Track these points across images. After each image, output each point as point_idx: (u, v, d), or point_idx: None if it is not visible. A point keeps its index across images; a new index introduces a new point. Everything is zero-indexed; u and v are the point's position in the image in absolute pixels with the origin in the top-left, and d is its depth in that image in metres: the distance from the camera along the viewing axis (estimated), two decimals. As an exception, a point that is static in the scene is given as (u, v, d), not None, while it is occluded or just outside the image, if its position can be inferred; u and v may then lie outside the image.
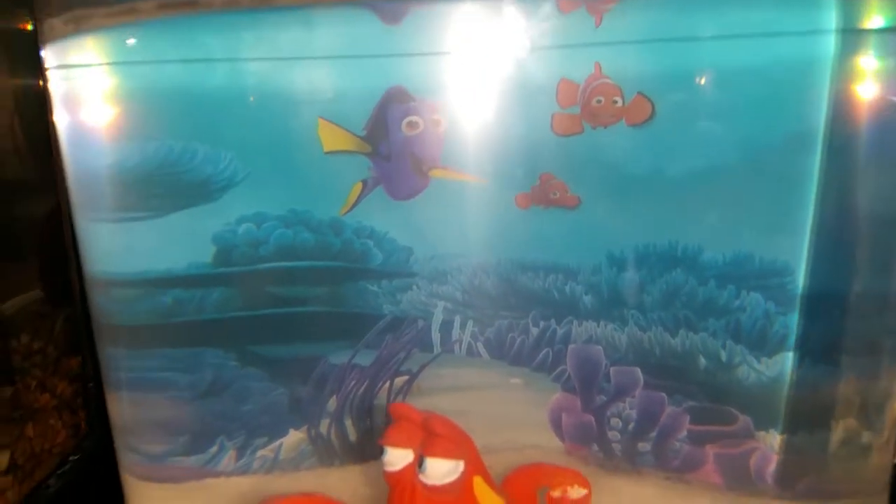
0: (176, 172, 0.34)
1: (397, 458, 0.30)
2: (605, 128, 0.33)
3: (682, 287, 0.37)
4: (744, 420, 0.38)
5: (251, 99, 0.34)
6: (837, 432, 0.36)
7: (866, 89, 0.32)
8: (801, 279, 0.35)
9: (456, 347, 0.38)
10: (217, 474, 0.38)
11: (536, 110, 0.33)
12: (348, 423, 0.38)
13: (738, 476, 0.38)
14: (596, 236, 0.36)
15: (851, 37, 0.32)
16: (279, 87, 0.34)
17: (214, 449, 0.37)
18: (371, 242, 0.36)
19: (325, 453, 0.39)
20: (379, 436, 0.31)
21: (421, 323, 0.38)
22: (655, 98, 0.33)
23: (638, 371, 0.39)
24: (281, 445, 0.38)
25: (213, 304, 0.36)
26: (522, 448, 0.39)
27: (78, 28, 0.33)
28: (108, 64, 0.33)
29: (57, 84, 0.34)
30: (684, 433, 0.38)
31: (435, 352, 0.38)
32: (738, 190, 0.34)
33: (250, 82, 0.34)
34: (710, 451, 0.38)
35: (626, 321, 0.38)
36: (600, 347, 0.38)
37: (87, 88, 0.34)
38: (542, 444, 0.39)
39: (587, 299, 0.38)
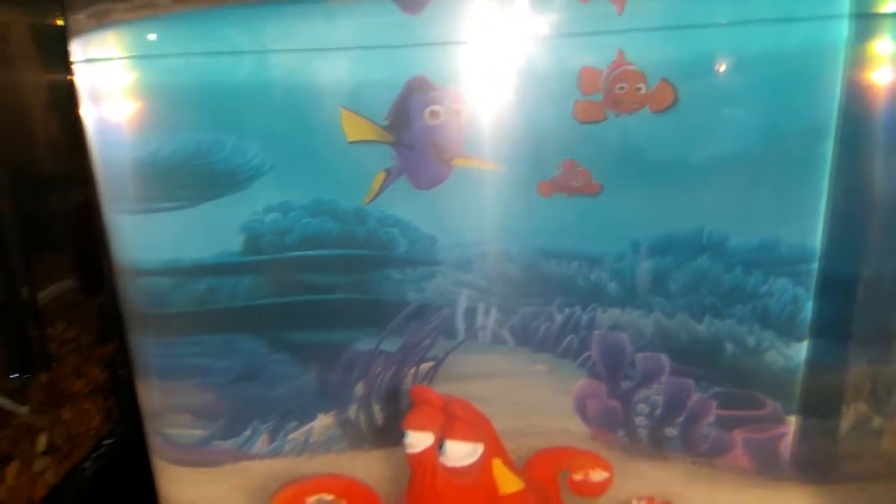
0: (206, 163, 0.36)
1: (418, 440, 0.31)
2: (629, 115, 0.34)
3: (707, 273, 0.38)
4: (773, 405, 0.39)
5: (276, 90, 0.35)
6: (869, 415, 0.37)
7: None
8: (826, 263, 0.36)
9: (480, 334, 0.40)
10: (251, 457, 0.40)
11: (559, 98, 0.34)
12: (375, 408, 0.41)
13: (767, 461, 0.39)
14: (620, 223, 0.37)
15: (867, 21, 0.32)
16: (303, 78, 0.35)
17: (248, 433, 0.40)
18: (395, 231, 0.38)
19: (354, 437, 0.41)
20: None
21: (446, 310, 0.39)
22: (679, 84, 0.33)
23: (664, 357, 0.40)
24: (311, 429, 0.40)
25: (244, 291, 0.38)
26: (548, 433, 0.40)
27: (101, 23, 0.35)
28: (131, 57, 0.35)
29: (84, 78, 0.37)
30: (712, 418, 0.39)
31: (459, 338, 0.40)
32: (762, 175, 0.35)
33: (275, 74, 0.35)
34: (739, 436, 0.39)
35: (652, 308, 0.39)
36: (626, 334, 0.40)
37: (116, 82, 0.36)
38: (568, 429, 0.41)
39: (612, 286, 0.39)
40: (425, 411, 0.32)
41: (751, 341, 0.39)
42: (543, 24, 0.33)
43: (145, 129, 0.36)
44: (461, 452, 0.31)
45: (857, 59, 0.32)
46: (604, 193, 0.36)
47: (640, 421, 0.41)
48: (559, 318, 0.40)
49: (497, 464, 0.32)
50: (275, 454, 0.41)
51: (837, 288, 0.36)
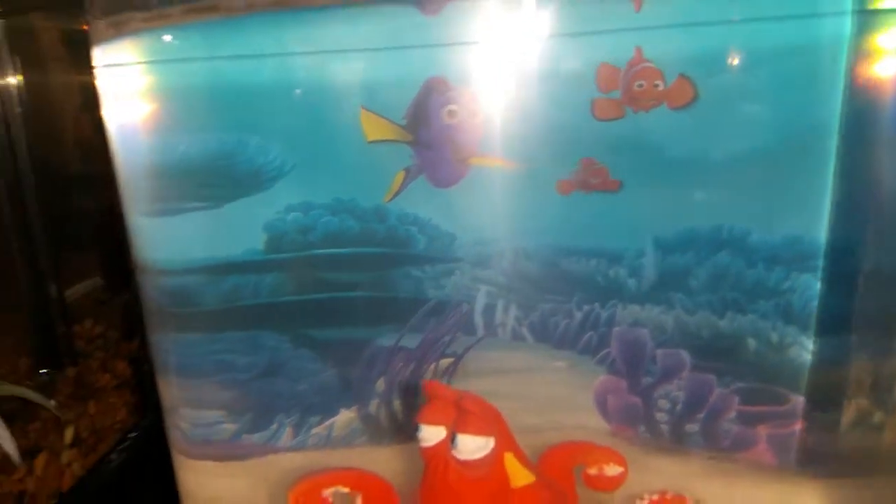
0: (231, 164, 0.38)
1: (431, 434, 0.33)
2: (647, 111, 0.35)
3: (729, 269, 0.39)
4: (795, 400, 0.39)
5: (297, 92, 0.37)
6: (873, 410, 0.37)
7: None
8: (834, 258, 0.36)
9: (500, 331, 0.41)
10: (276, 450, 0.42)
11: (577, 96, 0.35)
12: (396, 403, 0.42)
13: (791, 456, 0.39)
14: (639, 220, 0.38)
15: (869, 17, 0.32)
16: (323, 80, 0.37)
17: (274, 426, 0.42)
18: (415, 229, 0.39)
19: (375, 432, 0.43)
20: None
21: (465, 307, 0.41)
22: (697, 80, 0.34)
23: (685, 353, 0.40)
24: (333, 424, 0.42)
25: (267, 289, 0.40)
26: (567, 429, 0.41)
27: (119, 32, 0.37)
28: (150, 62, 0.37)
29: (107, 83, 0.38)
30: (734, 414, 0.40)
31: (479, 335, 0.41)
32: (783, 171, 0.35)
33: (295, 76, 0.37)
34: (762, 431, 0.40)
35: (672, 304, 0.40)
36: (646, 330, 0.40)
37: (140, 86, 0.38)
38: (588, 425, 0.42)
39: (631, 283, 0.40)
40: (438, 406, 0.33)
41: (774, 337, 0.39)
42: (560, 23, 0.34)
43: (173, 132, 0.38)
44: (473, 446, 0.32)
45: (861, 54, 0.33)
46: (622, 190, 0.37)
47: (660, 417, 0.41)
48: (578, 314, 0.41)
49: (509, 457, 0.33)
50: (299, 448, 0.42)
51: (850, 282, 0.37)
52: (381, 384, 0.42)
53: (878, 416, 0.37)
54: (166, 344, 0.41)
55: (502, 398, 0.41)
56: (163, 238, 0.39)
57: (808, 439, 0.40)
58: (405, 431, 0.42)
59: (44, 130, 0.73)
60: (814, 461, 0.40)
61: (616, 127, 0.36)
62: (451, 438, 0.32)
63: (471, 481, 0.32)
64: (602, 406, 0.42)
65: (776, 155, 0.35)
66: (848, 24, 0.33)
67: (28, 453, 0.61)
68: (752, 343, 0.40)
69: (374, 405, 0.42)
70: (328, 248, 0.40)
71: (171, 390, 0.43)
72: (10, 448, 0.58)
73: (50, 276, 0.77)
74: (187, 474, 0.44)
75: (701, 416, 0.41)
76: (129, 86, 0.38)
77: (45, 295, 0.77)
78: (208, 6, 0.36)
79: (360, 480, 0.38)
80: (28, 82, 0.72)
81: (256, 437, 0.42)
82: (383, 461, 0.42)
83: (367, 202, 0.39)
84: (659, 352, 0.41)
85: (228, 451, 0.42)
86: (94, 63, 0.38)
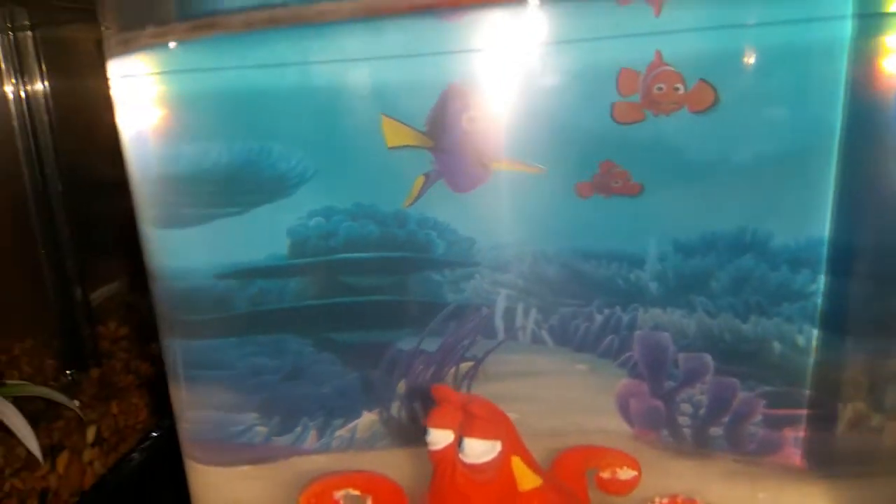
0: (256, 170, 0.39)
1: (439, 438, 0.34)
2: (668, 115, 0.35)
3: (752, 272, 0.39)
4: (821, 402, 0.39)
5: (318, 100, 0.38)
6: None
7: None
8: (874, 260, 0.36)
9: (520, 334, 0.42)
10: (301, 453, 0.44)
11: (596, 100, 0.36)
12: (417, 406, 0.44)
13: (816, 459, 0.40)
14: (660, 224, 0.39)
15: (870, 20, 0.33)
16: (343, 87, 0.38)
17: (299, 429, 0.43)
18: (434, 233, 0.41)
19: (397, 434, 0.44)
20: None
21: (484, 310, 0.42)
22: (718, 84, 0.34)
23: (708, 357, 0.41)
24: (356, 426, 0.44)
25: (291, 293, 0.42)
26: (588, 432, 0.42)
27: (128, 49, 0.39)
28: (164, 73, 0.39)
29: (122, 92, 0.40)
30: (759, 417, 0.41)
31: (499, 338, 0.42)
32: (804, 174, 0.36)
33: (317, 84, 0.38)
34: (790, 434, 0.40)
35: (695, 307, 0.40)
36: (668, 334, 0.41)
37: (161, 95, 0.39)
38: (609, 428, 0.42)
39: (653, 286, 0.40)
40: (446, 410, 0.34)
41: (801, 340, 0.40)
42: (580, 28, 0.35)
43: (194, 141, 0.39)
44: (479, 450, 0.33)
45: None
46: (643, 193, 0.38)
47: (683, 420, 0.42)
48: (599, 318, 0.41)
49: (516, 461, 0.34)
50: (323, 450, 0.44)
51: (878, 283, 0.37)
52: (402, 387, 0.43)
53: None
54: (190, 349, 0.43)
55: (522, 401, 0.42)
56: (191, 245, 0.41)
57: (835, 441, 0.40)
58: (425, 434, 0.43)
59: (70, 137, 0.76)
60: (840, 463, 0.40)
61: (636, 130, 0.36)
62: (458, 442, 0.33)
63: (478, 484, 0.33)
64: (624, 410, 0.43)
65: (798, 157, 0.36)
66: (849, 27, 0.34)
67: (51, 451, 0.64)
68: (777, 346, 0.40)
69: (395, 408, 0.44)
70: (349, 252, 0.41)
71: (194, 395, 0.44)
72: (33, 446, 0.61)
73: (76, 280, 0.80)
74: (208, 479, 0.46)
75: (725, 419, 0.41)
76: (148, 96, 0.39)
77: (70, 298, 0.81)
78: (208, 23, 0.38)
79: (371, 483, 0.39)
80: (55, 89, 0.76)
81: (283, 440, 0.44)
82: (404, 463, 0.43)
83: (387, 207, 0.40)
84: (681, 355, 0.41)
85: (257, 455, 0.44)
86: (108, 75, 0.40)
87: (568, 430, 0.42)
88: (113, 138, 0.42)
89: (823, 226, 0.37)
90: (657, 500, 0.39)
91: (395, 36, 0.37)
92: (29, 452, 0.61)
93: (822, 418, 0.40)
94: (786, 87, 0.35)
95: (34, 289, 0.79)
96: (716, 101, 0.35)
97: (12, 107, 0.74)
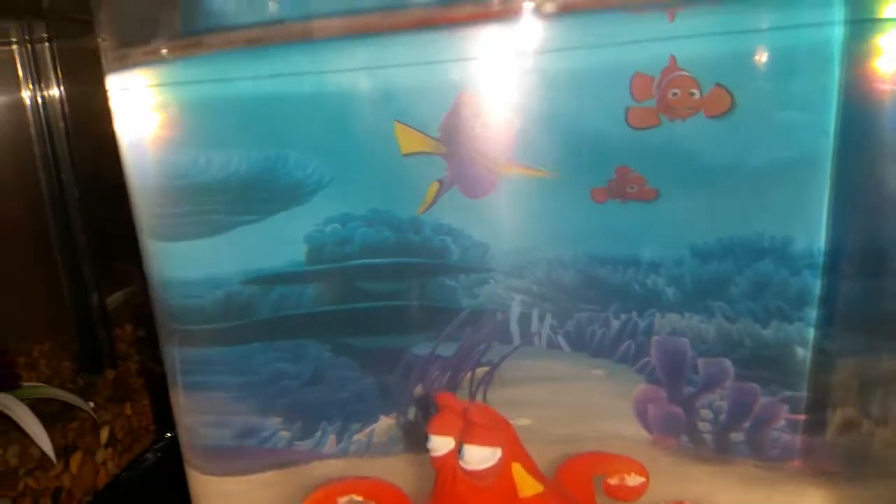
0: (274, 178, 0.41)
1: (440, 444, 0.35)
2: (683, 120, 0.36)
3: (772, 277, 0.40)
4: (844, 407, 0.40)
5: (333, 108, 0.40)
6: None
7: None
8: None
9: (535, 340, 0.43)
10: (321, 457, 0.45)
11: (611, 105, 0.37)
12: (433, 411, 0.45)
13: (838, 463, 0.40)
14: (677, 229, 0.40)
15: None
16: (357, 96, 0.39)
17: (319, 433, 0.45)
18: (449, 239, 0.42)
19: (413, 439, 0.45)
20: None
21: (499, 316, 0.43)
22: (734, 88, 0.35)
23: (727, 362, 0.42)
24: (373, 431, 0.45)
25: (309, 299, 0.43)
26: (606, 438, 0.43)
27: (123, 65, 0.41)
28: (162, 85, 0.40)
29: (123, 103, 0.42)
30: (782, 423, 0.41)
31: (514, 343, 0.43)
32: (825, 178, 0.36)
33: (330, 92, 0.40)
34: (812, 439, 0.41)
35: (713, 313, 0.41)
36: (686, 339, 0.42)
37: (168, 105, 0.41)
38: (627, 434, 0.43)
39: (670, 291, 0.41)
40: (446, 417, 0.35)
41: (826, 345, 0.40)
42: (594, 34, 0.36)
43: (221, 147, 0.41)
44: (479, 456, 0.34)
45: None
46: (659, 199, 0.39)
47: (703, 426, 0.43)
48: (616, 323, 0.42)
49: (516, 467, 0.35)
50: (342, 454, 0.45)
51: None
52: (418, 392, 0.45)
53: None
54: (211, 356, 0.45)
55: (538, 406, 0.43)
56: (213, 253, 0.43)
57: (857, 445, 0.40)
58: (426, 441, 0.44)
59: (86, 144, 0.79)
60: (865, 467, 0.40)
61: (651, 135, 0.37)
62: (459, 449, 0.34)
63: (478, 491, 0.34)
64: (642, 415, 0.44)
65: (817, 161, 0.36)
66: (841, 32, 0.35)
67: (65, 452, 0.67)
68: (800, 351, 0.40)
69: (412, 413, 0.45)
70: (365, 258, 0.43)
71: (207, 403, 0.46)
72: (46, 446, 0.63)
73: (92, 284, 0.83)
74: (223, 488, 0.47)
75: (746, 425, 0.42)
76: (155, 107, 0.41)
77: (87, 302, 0.84)
78: (194, 42, 0.39)
79: (375, 489, 0.41)
80: (71, 98, 0.78)
81: (306, 444, 0.45)
82: (420, 468, 0.44)
83: (402, 213, 0.42)
84: (700, 361, 0.42)
85: (279, 460, 0.46)
86: (107, 85, 0.42)
87: (584, 436, 0.43)
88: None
89: (845, 230, 0.38)
90: None
91: (407, 43, 0.38)
92: (43, 452, 0.64)
93: (845, 423, 0.41)
94: (800, 91, 0.36)
95: (52, 293, 0.82)
96: (732, 106, 0.36)
97: (30, 115, 0.77)
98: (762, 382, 0.41)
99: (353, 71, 0.39)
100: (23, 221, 0.81)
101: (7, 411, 0.64)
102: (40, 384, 0.75)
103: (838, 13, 0.35)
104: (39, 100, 0.77)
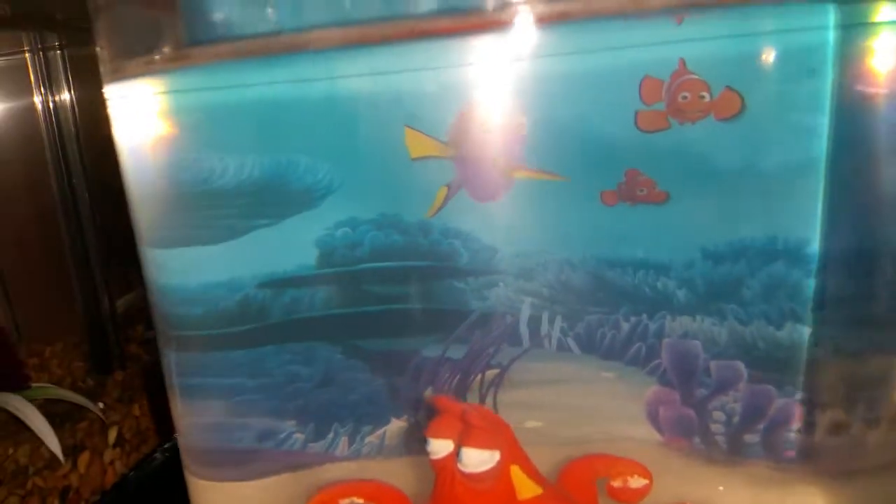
0: (285, 182, 0.42)
1: (439, 447, 0.36)
2: (693, 123, 0.37)
3: (785, 280, 0.40)
4: (859, 407, 0.40)
5: (342, 113, 0.41)
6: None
7: None
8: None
9: (545, 342, 0.44)
10: (334, 459, 0.46)
11: (620, 109, 0.38)
12: (433, 414, 0.46)
13: (856, 463, 0.41)
14: (687, 231, 0.40)
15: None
16: (366, 101, 0.40)
17: (332, 435, 0.46)
18: (457, 242, 0.43)
19: (424, 441, 0.47)
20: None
21: (509, 318, 0.44)
22: (744, 91, 0.35)
23: (740, 364, 0.42)
24: (385, 433, 0.46)
25: (320, 302, 0.45)
26: (616, 440, 0.44)
27: (116, 78, 0.42)
28: (168, 93, 0.41)
29: (117, 107, 0.43)
30: (798, 424, 0.41)
31: (524, 346, 0.44)
32: (839, 181, 0.36)
33: (342, 98, 0.41)
34: (827, 439, 0.41)
35: (725, 315, 0.42)
36: (698, 342, 0.42)
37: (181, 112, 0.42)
38: (638, 436, 0.44)
39: (681, 294, 0.42)
40: (445, 420, 0.36)
41: (838, 345, 0.40)
42: (603, 38, 0.37)
43: (236, 152, 0.42)
44: (477, 459, 0.35)
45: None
46: (669, 201, 0.39)
47: (716, 428, 0.43)
48: (626, 326, 0.43)
49: (515, 470, 0.36)
50: (354, 456, 0.47)
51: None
52: (429, 394, 0.46)
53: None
54: (226, 360, 0.46)
55: (548, 409, 0.44)
56: (227, 258, 0.44)
57: (871, 446, 0.41)
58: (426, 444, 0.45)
59: (96, 150, 0.81)
60: (877, 469, 0.41)
61: (661, 139, 0.38)
62: (457, 452, 0.35)
63: (477, 493, 0.36)
64: (654, 418, 0.44)
65: (831, 163, 0.37)
66: (833, 36, 0.35)
67: (73, 451, 0.69)
68: (814, 352, 0.41)
69: (422, 415, 0.46)
70: (375, 261, 0.44)
71: (227, 405, 0.47)
72: (54, 446, 0.65)
73: (102, 287, 0.85)
74: (238, 492, 0.48)
75: (761, 427, 0.42)
76: (154, 114, 0.42)
77: (98, 304, 0.86)
78: (182, 55, 0.40)
79: (377, 492, 0.42)
80: (81, 105, 0.80)
81: (318, 446, 0.46)
82: (430, 470, 0.45)
83: (411, 217, 0.43)
84: (713, 363, 0.43)
85: (293, 462, 0.47)
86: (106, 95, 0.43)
87: (595, 438, 0.44)
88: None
89: (861, 233, 0.38)
90: None
91: (417, 48, 0.39)
92: (52, 452, 0.65)
93: (861, 422, 0.41)
94: (809, 93, 0.36)
95: (63, 296, 0.85)
96: (743, 108, 0.36)
97: (42, 121, 0.79)
98: (777, 384, 0.42)
99: (362, 76, 0.40)
100: (35, 225, 0.83)
101: (16, 412, 0.66)
102: (49, 385, 0.77)
103: (832, 18, 0.36)
104: (51, 106, 0.80)
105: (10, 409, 0.67)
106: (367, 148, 0.42)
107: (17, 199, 0.81)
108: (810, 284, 0.40)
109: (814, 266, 0.39)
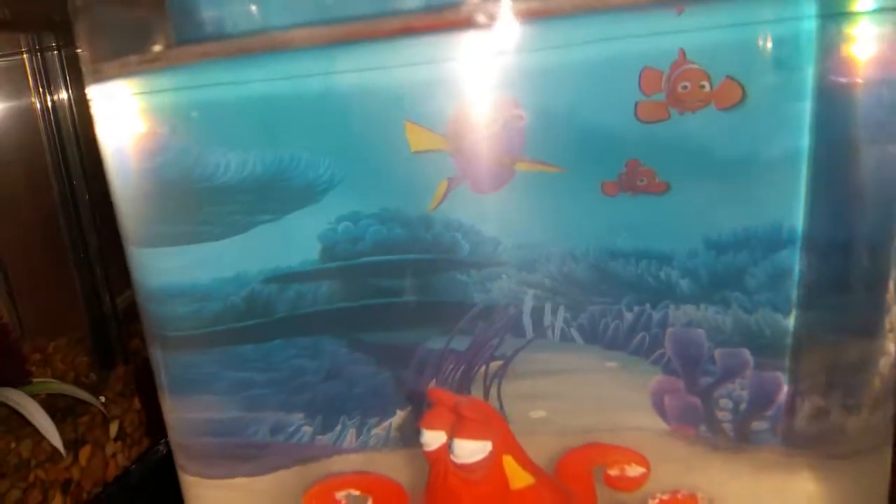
0: (287, 178, 0.43)
1: (433, 439, 0.37)
2: (693, 113, 0.37)
3: (790, 267, 0.41)
4: (866, 391, 0.41)
5: (343, 108, 0.42)
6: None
7: None
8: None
9: (549, 333, 0.45)
10: (342, 452, 0.48)
11: (620, 100, 0.39)
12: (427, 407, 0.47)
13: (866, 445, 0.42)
14: (690, 221, 0.41)
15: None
16: (366, 96, 0.41)
17: (339, 428, 0.48)
18: (459, 235, 0.44)
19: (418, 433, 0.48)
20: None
21: (512, 310, 0.45)
22: (745, 80, 0.36)
23: (746, 352, 0.43)
24: (391, 425, 0.48)
25: (324, 296, 0.46)
26: (621, 429, 0.45)
27: (97, 79, 0.43)
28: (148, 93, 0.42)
29: (101, 107, 0.44)
30: (806, 410, 0.43)
31: (528, 337, 0.45)
32: (845, 169, 0.37)
33: (342, 93, 0.42)
34: (837, 424, 0.42)
35: (729, 303, 0.43)
36: (702, 331, 0.43)
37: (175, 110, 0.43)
38: (644, 425, 0.45)
39: (684, 283, 0.43)
40: (438, 412, 0.37)
41: (853, 328, 0.41)
42: (601, 29, 0.37)
43: (239, 148, 0.43)
44: (469, 450, 0.36)
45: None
46: (670, 191, 0.40)
47: (723, 416, 0.44)
48: (629, 316, 0.44)
49: (507, 460, 0.37)
50: (361, 448, 0.48)
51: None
52: (433, 386, 0.47)
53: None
54: (235, 355, 0.47)
55: (553, 399, 0.46)
56: (232, 254, 0.45)
57: (884, 430, 0.42)
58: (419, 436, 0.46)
59: (95, 148, 0.82)
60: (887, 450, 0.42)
61: (661, 129, 0.39)
62: (449, 443, 0.36)
63: (469, 484, 0.37)
64: (659, 406, 0.46)
65: (834, 152, 0.38)
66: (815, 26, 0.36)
67: (75, 445, 0.70)
68: (821, 338, 0.42)
69: (427, 406, 0.48)
70: (377, 255, 0.45)
71: (237, 401, 0.48)
72: (55, 440, 0.67)
73: (103, 283, 0.87)
74: (255, 486, 0.49)
75: (769, 413, 0.43)
76: (140, 112, 0.43)
77: (99, 300, 0.88)
78: (158, 56, 0.41)
79: (373, 484, 0.43)
80: (80, 105, 0.82)
81: (327, 438, 0.48)
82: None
83: (412, 211, 0.44)
84: (717, 351, 0.44)
85: (302, 455, 0.48)
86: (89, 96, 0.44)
87: (599, 428, 0.45)
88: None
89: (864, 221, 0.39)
90: (657, 495, 0.42)
91: (415, 42, 0.40)
92: (54, 446, 0.67)
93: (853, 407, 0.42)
94: (808, 80, 0.37)
95: (65, 292, 0.86)
96: (744, 98, 0.37)
97: (41, 121, 0.81)
98: (785, 371, 0.42)
99: (360, 71, 0.41)
100: (36, 223, 0.85)
101: (17, 407, 0.68)
102: (50, 380, 0.79)
103: (810, 8, 0.36)
104: (49, 106, 0.81)
105: (11, 403, 0.68)
106: (368, 143, 0.42)
107: (19, 198, 0.83)
108: (817, 271, 0.40)
109: (816, 252, 0.40)
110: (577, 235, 0.43)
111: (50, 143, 0.82)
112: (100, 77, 0.44)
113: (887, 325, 0.40)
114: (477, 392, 0.46)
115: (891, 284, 0.39)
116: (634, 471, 0.42)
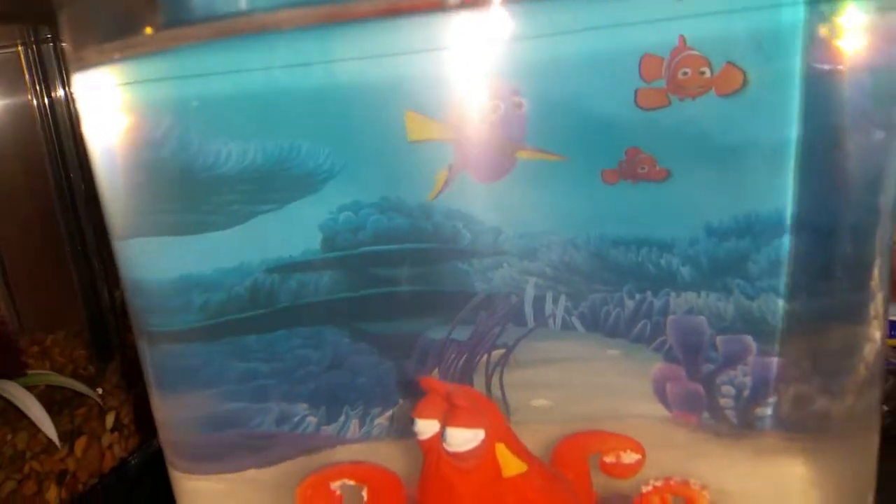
0: (287, 167, 0.44)
1: (426, 427, 0.37)
2: (693, 99, 0.38)
3: (794, 254, 0.42)
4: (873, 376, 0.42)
5: (342, 97, 0.42)
6: None
7: None
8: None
9: (550, 321, 0.46)
10: (345, 441, 0.49)
11: (620, 87, 0.39)
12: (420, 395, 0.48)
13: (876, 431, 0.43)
14: (690, 208, 0.42)
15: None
16: (366, 85, 0.42)
17: (343, 418, 0.49)
18: (460, 224, 0.45)
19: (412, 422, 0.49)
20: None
21: (514, 298, 0.46)
22: (747, 66, 0.37)
23: (748, 338, 0.44)
24: (393, 414, 0.49)
25: (325, 286, 0.47)
26: (623, 417, 0.46)
27: (81, 66, 0.43)
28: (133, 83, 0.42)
29: (87, 99, 0.44)
30: (809, 395, 0.44)
31: (529, 326, 0.46)
32: (848, 155, 0.38)
33: (341, 80, 0.42)
34: (844, 409, 0.43)
35: (731, 290, 0.43)
36: (703, 318, 0.44)
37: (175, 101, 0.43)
38: (646, 413, 0.46)
39: (685, 271, 0.44)
40: (430, 400, 0.38)
41: (860, 314, 0.42)
42: (600, 15, 0.38)
43: (241, 139, 0.43)
44: (461, 438, 0.36)
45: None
46: (671, 178, 0.41)
47: (725, 402, 0.45)
48: (630, 303, 0.45)
49: (500, 448, 0.38)
50: (365, 438, 0.49)
51: None
52: (435, 375, 0.48)
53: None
54: (239, 346, 0.48)
55: (555, 387, 0.47)
56: (234, 244, 0.46)
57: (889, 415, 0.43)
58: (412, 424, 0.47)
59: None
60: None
61: (661, 116, 0.39)
62: (442, 431, 0.37)
63: (462, 472, 0.37)
64: (661, 393, 0.47)
65: (837, 137, 0.38)
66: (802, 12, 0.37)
67: (71, 436, 0.72)
68: (827, 324, 0.43)
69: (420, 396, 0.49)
70: (378, 244, 0.46)
71: (242, 392, 0.49)
72: (50, 431, 0.68)
73: (100, 276, 0.88)
74: (261, 477, 0.50)
75: (772, 400, 0.44)
76: (126, 104, 0.43)
77: (96, 293, 0.89)
78: (144, 40, 0.41)
79: (368, 474, 0.44)
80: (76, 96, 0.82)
81: (331, 429, 0.49)
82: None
83: (412, 200, 0.44)
84: (719, 338, 0.45)
85: (307, 445, 0.49)
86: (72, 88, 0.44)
87: (601, 415, 0.46)
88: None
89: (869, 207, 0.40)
90: (651, 481, 0.42)
91: (414, 29, 0.40)
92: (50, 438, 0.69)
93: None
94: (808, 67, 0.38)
95: (63, 285, 0.88)
96: (745, 83, 0.37)
97: (37, 114, 0.82)
98: (789, 357, 0.43)
99: (359, 59, 0.41)
100: (34, 217, 0.86)
101: (12, 399, 0.69)
102: (46, 372, 0.80)
103: None
104: (45, 99, 0.82)
105: (7, 395, 0.69)
106: (368, 132, 0.43)
107: (17, 192, 0.84)
108: (820, 257, 0.41)
109: (818, 238, 0.41)
110: (577, 224, 0.44)
111: (47, 136, 0.83)
112: (83, 64, 0.44)
113: (872, 313, 0.41)
114: (479, 381, 0.47)
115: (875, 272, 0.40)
116: (630, 457, 0.42)
